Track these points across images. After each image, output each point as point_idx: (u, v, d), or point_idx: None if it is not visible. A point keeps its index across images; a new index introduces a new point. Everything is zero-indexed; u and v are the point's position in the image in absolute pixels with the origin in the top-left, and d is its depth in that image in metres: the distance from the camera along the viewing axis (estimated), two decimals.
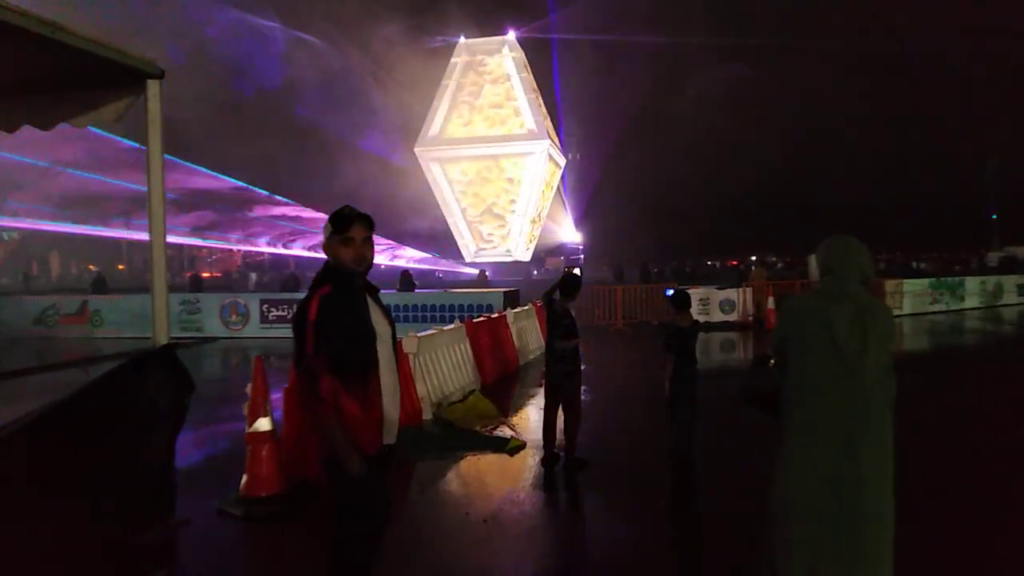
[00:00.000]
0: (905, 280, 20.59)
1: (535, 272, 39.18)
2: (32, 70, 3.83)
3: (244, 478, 4.93)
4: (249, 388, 5.06)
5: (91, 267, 53.10)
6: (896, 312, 18.93)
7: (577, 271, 6.33)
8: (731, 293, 18.29)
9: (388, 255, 50.42)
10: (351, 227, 2.95)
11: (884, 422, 2.80)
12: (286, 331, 3.12)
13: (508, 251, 49.44)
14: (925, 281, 21.20)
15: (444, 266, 50.22)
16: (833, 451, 2.81)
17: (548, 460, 5.77)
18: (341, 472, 2.77)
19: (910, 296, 19.64)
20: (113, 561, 3.62)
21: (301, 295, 3.08)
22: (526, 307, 13.34)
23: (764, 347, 3.37)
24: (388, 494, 3.11)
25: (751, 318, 17.69)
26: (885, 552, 2.78)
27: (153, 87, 3.95)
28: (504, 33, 50.49)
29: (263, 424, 4.96)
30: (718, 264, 51.14)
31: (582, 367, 5.95)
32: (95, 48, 3.55)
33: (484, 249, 50.07)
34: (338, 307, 2.84)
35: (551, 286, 6.00)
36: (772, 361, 3.26)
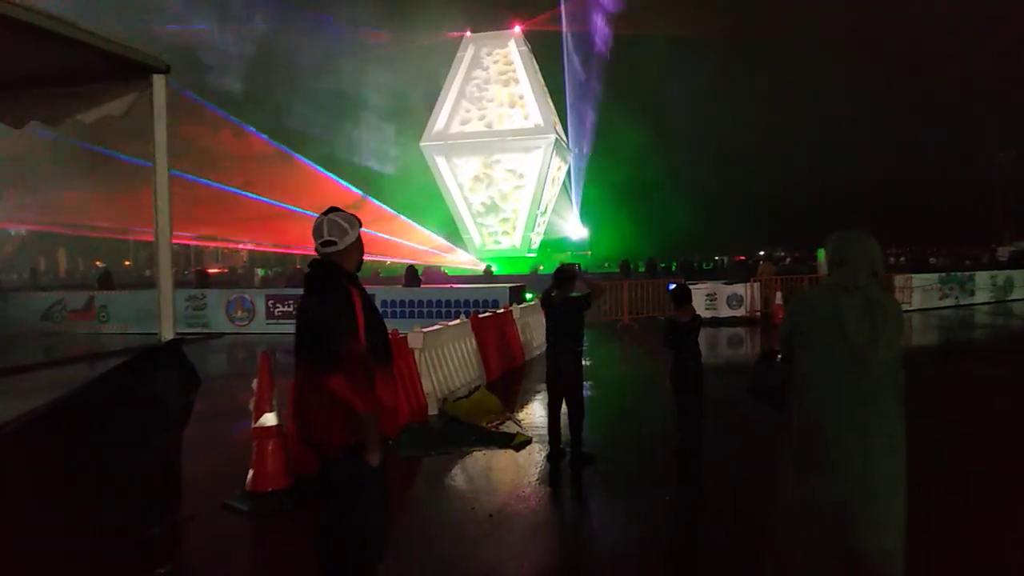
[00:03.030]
0: (914, 275, 20.48)
1: (540, 267, 39.13)
2: (40, 66, 3.84)
3: (250, 473, 4.95)
4: (255, 383, 5.07)
5: (98, 263, 53.34)
6: (905, 307, 18.85)
7: (573, 265, 6.26)
8: (738, 288, 18.21)
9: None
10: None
11: (894, 414, 2.79)
12: (292, 327, 3.13)
13: (514, 246, 49.40)
14: (934, 276, 21.07)
15: (448, 261, 50.22)
16: (843, 444, 2.80)
17: (554, 455, 5.77)
18: (361, 462, 2.84)
19: (919, 291, 19.54)
20: (120, 555, 3.64)
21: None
22: (532, 302, 13.32)
23: (771, 342, 3.34)
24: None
25: (759, 313, 17.62)
26: (897, 545, 2.77)
27: (159, 82, 3.96)
28: (511, 27, 50.34)
29: (269, 419, 4.97)
30: (726, 260, 50.89)
31: (584, 362, 5.93)
32: (103, 44, 3.55)
33: (489, 244, 50.04)
34: (367, 302, 2.99)
35: (549, 285, 5.96)
36: (779, 355, 3.25)
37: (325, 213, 3.04)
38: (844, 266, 2.95)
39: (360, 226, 3.07)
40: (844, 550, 2.77)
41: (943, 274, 21.50)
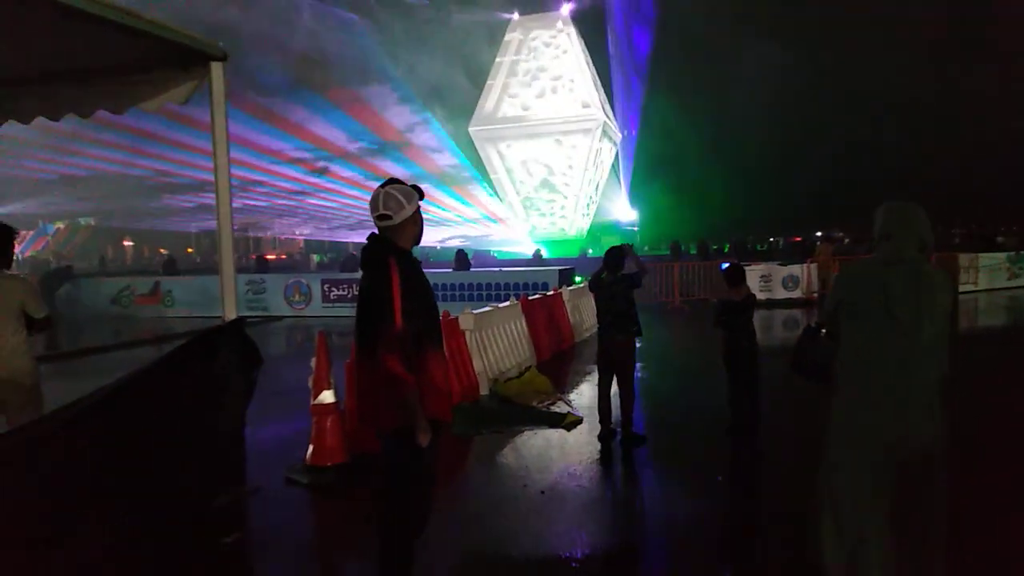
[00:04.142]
0: (981, 254, 19.61)
1: (589, 250, 38.88)
2: (103, 56, 3.99)
3: (310, 448, 5.12)
4: (313, 362, 5.23)
5: (162, 251, 55.40)
6: (971, 288, 18.08)
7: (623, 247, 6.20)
8: (794, 269, 17.78)
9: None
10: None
11: (937, 388, 2.74)
12: (347, 310, 3.21)
13: (563, 229, 49.24)
14: (1002, 255, 20.14)
15: (499, 245, 50.42)
16: (885, 415, 2.78)
17: (605, 435, 5.78)
18: (409, 444, 2.83)
19: (986, 271, 18.73)
20: (189, 524, 3.82)
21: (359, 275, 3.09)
22: (581, 284, 13.29)
23: (817, 318, 3.30)
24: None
25: (815, 295, 17.16)
26: (936, 518, 2.74)
27: (217, 69, 4.08)
28: (558, 9, 49.83)
29: (327, 396, 5.13)
30: (781, 241, 49.58)
31: (637, 344, 5.91)
32: (164, 32, 3.67)
33: (539, 227, 50.00)
34: (415, 280, 2.90)
35: (598, 268, 5.95)
36: (824, 331, 3.22)
37: (383, 185, 2.95)
38: (891, 240, 2.90)
39: (421, 198, 2.97)
40: (883, 516, 2.76)
41: (1011, 253, 20.53)
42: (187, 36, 3.84)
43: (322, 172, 49.63)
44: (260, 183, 48.03)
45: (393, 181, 2.98)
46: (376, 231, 2.96)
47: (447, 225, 50.71)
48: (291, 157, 48.70)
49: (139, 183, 48.66)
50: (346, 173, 50.05)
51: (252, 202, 50.83)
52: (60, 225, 62.19)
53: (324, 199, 53.34)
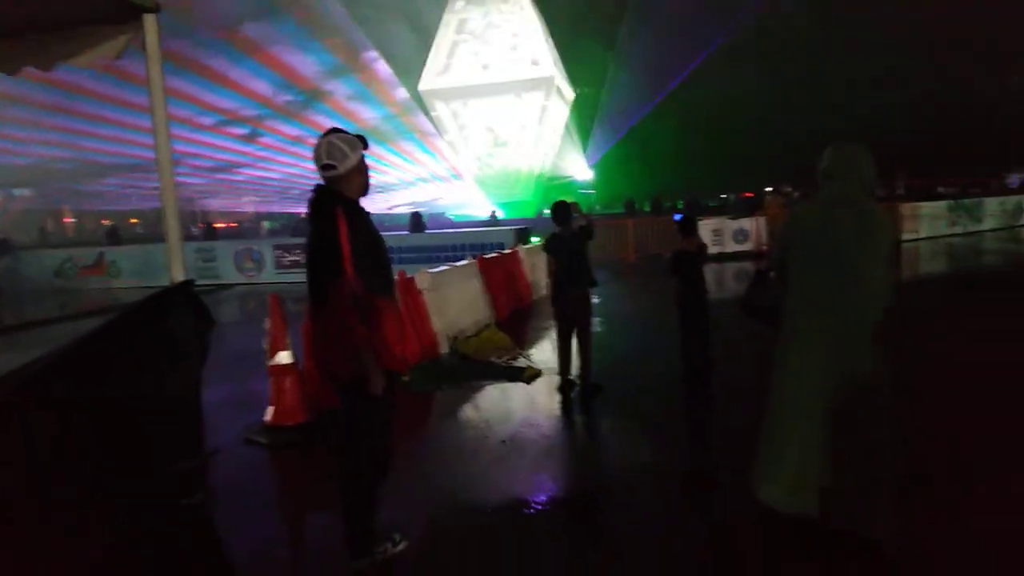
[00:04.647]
0: (922, 204, 20.32)
1: (545, 210, 38.94)
2: (30, 10, 3.79)
3: (270, 409, 5.10)
4: (267, 323, 5.17)
5: (104, 221, 53.34)
6: (913, 236, 18.75)
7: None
8: (744, 222, 18.14)
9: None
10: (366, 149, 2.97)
11: (881, 324, 2.85)
12: (301, 276, 3.17)
13: (516, 189, 49.07)
14: (943, 203, 20.92)
15: (453, 208, 49.97)
16: (832, 352, 2.89)
17: (564, 386, 5.89)
18: (364, 391, 2.84)
19: (927, 219, 19.43)
20: (149, 489, 3.79)
21: None
22: (538, 242, 13.34)
23: (766, 261, 3.39)
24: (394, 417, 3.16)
25: (765, 247, 17.57)
26: (884, 454, 2.87)
27: (150, 21, 3.91)
28: None
29: (284, 357, 5.09)
30: (732, 197, 50.40)
31: (592, 299, 6.00)
32: None
33: (492, 187, 49.71)
34: (364, 230, 2.87)
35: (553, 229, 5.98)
36: (772, 274, 3.32)
37: (325, 134, 2.90)
38: (833, 180, 2.97)
39: (364, 147, 2.93)
40: (828, 450, 2.89)
41: (951, 201, 21.32)
42: None
43: (251, 140, 47.42)
44: (190, 155, 45.32)
45: (335, 131, 2.93)
46: (322, 182, 2.91)
47: (394, 190, 49.65)
48: (219, 119, 45.97)
49: (76, 167, 45.98)
50: (288, 130, 47.57)
51: (187, 179, 48.02)
52: None
53: (263, 169, 51.06)
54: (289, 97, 47.87)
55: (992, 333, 7.29)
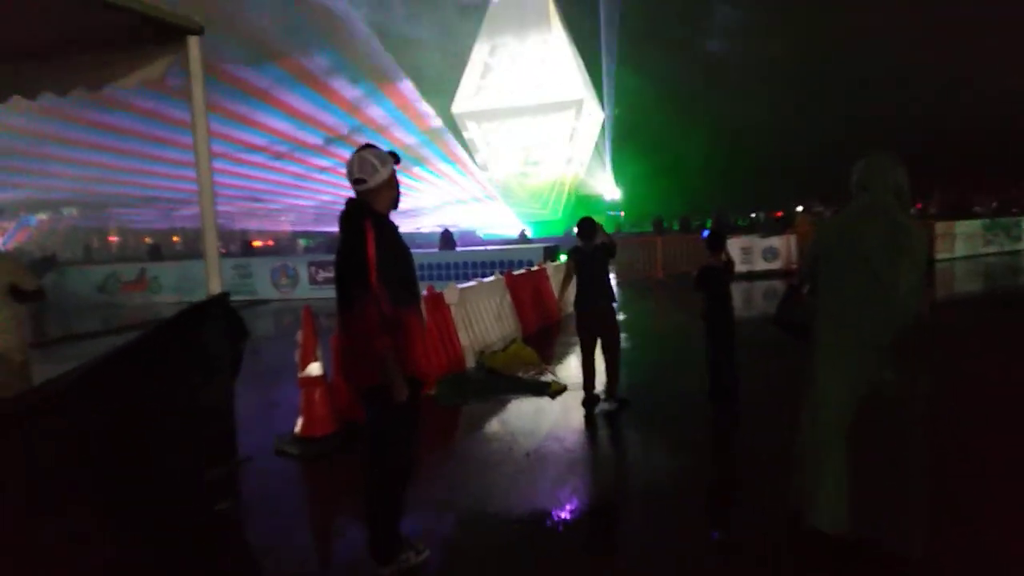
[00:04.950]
0: (957, 222, 19.90)
1: (575, 229, 39.01)
2: (77, 31, 3.99)
3: (300, 420, 5.21)
4: (300, 335, 5.30)
5: (146, 240, 54.72)
6: (947, 255, 18.36)
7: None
8: (774, 241, 17.96)
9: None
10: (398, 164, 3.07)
11: (914, 338, 2.83)
12: (335, 292, 3.29)
13: (546, 208, 49.24)
14: (978, 222, 20.47)
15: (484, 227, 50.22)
16: (863, 365, 2.86)
17: (589, 400, 5.91)
18: (388, 400, 2.91)
19: (963, 238, 19.03)
20: (184, 494, 3.90)
21: None
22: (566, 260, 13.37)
23: (799, 276, 3.40)
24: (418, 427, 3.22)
25: (795, 266, 17.36)
26: (915, 467, 2.84)
27: (194, 43, 4.09)
28: None
29: (314, 368, 5.21)
30: (763, 215, 49.91)
31: (617, 314, 6.03)
32: (138, 6, 3.68)
33: (523, 206, 49.96)
34: (392, 242, 2.96)
35: (575, 244, 6.11)
36: (805, 288, 3.31)
37: (358, 150, 3.00)
38: (867, 191, 2.96)
39: (396, 163, 3.03)
40: (863, 462, 2.86)
41: (987, 220, 20.85)
42: (162, 10, 3.84)
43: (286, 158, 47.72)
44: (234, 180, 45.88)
45: (368, 146, 3.04)
46: (353, 195, 3.02)
47: (425, 213, 49.81)
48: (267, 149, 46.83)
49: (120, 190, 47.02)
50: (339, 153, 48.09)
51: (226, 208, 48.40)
52: (43, 216, 61.26)
53: (302, 192, 51.59)
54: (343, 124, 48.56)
55: None
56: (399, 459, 3.13)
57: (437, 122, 49.01)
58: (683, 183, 56.61)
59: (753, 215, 50.03)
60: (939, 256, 17.90)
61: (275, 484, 4.58)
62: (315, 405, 5.18)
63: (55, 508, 2.67)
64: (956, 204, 31.68)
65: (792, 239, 17.73)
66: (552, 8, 48.81)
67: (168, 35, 4.04)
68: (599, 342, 5.98)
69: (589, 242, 5.90)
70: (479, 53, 48.97)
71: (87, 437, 2.96)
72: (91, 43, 4.13)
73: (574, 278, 6.08)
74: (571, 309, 11.67)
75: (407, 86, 47.04)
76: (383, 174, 2.96)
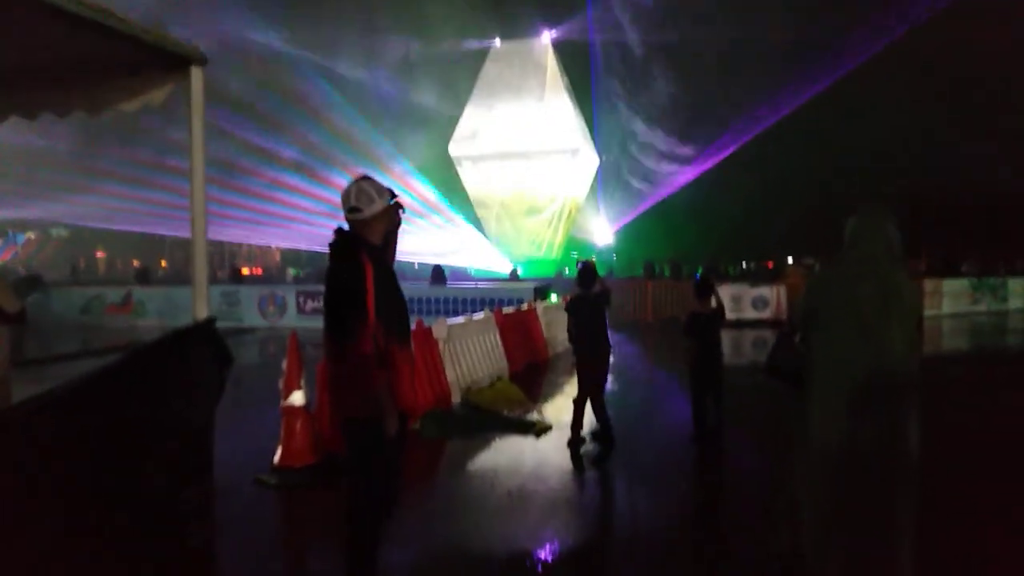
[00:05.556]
0: (944, 280, 20.14)
1: (566, 269, 39.15)
2: (82, 56, 4.04)
3: (279, 450, 5.14)
4: (284, 363, 5.27)
5: (135, 262, 54.46)
6: (934, 312, 18.52)
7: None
8: (764, 290, 18.08)
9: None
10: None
11: (908, 396, 2.82)
12: (322, 321, 3.28)
13: (539, 250, 49.51)
14: (965, 281, 20.71)
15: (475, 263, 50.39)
16: (858, 423, 2.85)
17: (574, 441, 5.86)
18: (375, 433, 2.89)
19: (949, 296, 19.24)
20: (155, 518, 3.82)
21: None
22: (557, 303, 13.42)
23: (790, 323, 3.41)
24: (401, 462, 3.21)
25: (785, 317, 17.46)
26: (907, 521, 2.83)
27: (196, 73, 4.15)
28: (539, 35, 50.55)
29: (297, 398, 5.16)
30: (753, 264, 50.29)
31: (611, 358, 6.05)
32: (143, 34, 3.74)
33: (516, 247, 50.22)
34: (384, 276, 2.97)
35: (574, 290, 6.15)
36: (797, 337, 3.31)
37: (356, 180, 3.02)
38: (858, 246, 2.98)
39: (392, 198, 3.05)
40: (855, 518, 2.84)
41: (974, 279, 21.11)
42: (167, 39, 3.91)
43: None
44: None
45: (366, 178, 3.07)
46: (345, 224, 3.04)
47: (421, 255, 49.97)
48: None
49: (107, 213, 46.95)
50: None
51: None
52: (31, 235, 61.01)
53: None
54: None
55: (1016, 408, 7.15)
56: (379, 492, 3.09)
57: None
58: (675, 232, 57.12)
59: (744, 265, 50.40)
60: (927, 312, 18.06)
61: (251, 513, 4.50)
62: (295, 436, 5.12)
63: (21, 528, 2.60)
64: (944, 261, 32.00)
65: (782, 289, 17.86)
66: (551, 55, 49.84)
67: (172, 63, 4.11)
68: None
69: (589, 290, 5.93)
70: (476, 96, 49.74)
71: (56, 456, 2.91)
72: (94, 67, 4.18)
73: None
74: (559, 349, 11.75)
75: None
76: (378, 206, 2.97)
